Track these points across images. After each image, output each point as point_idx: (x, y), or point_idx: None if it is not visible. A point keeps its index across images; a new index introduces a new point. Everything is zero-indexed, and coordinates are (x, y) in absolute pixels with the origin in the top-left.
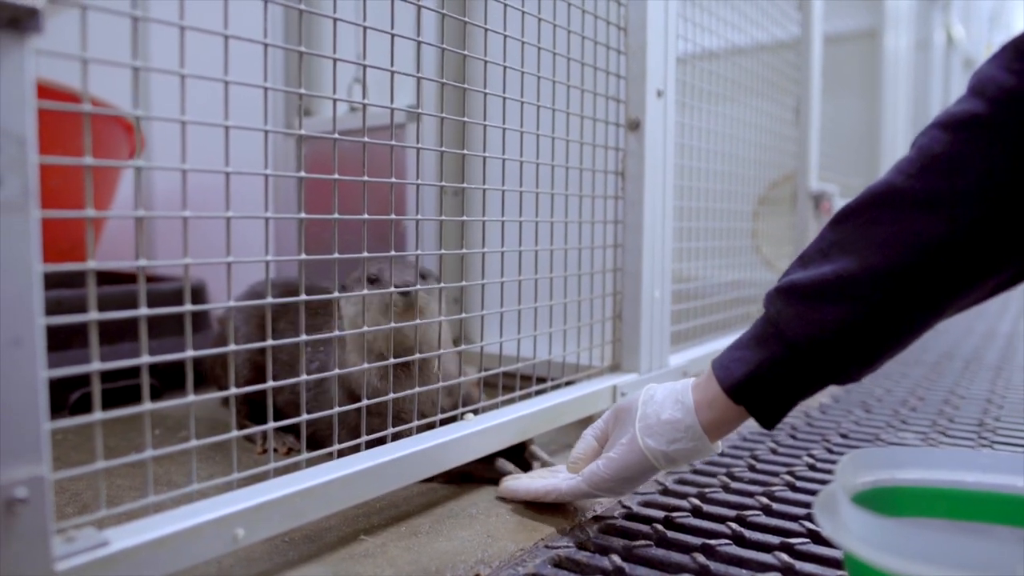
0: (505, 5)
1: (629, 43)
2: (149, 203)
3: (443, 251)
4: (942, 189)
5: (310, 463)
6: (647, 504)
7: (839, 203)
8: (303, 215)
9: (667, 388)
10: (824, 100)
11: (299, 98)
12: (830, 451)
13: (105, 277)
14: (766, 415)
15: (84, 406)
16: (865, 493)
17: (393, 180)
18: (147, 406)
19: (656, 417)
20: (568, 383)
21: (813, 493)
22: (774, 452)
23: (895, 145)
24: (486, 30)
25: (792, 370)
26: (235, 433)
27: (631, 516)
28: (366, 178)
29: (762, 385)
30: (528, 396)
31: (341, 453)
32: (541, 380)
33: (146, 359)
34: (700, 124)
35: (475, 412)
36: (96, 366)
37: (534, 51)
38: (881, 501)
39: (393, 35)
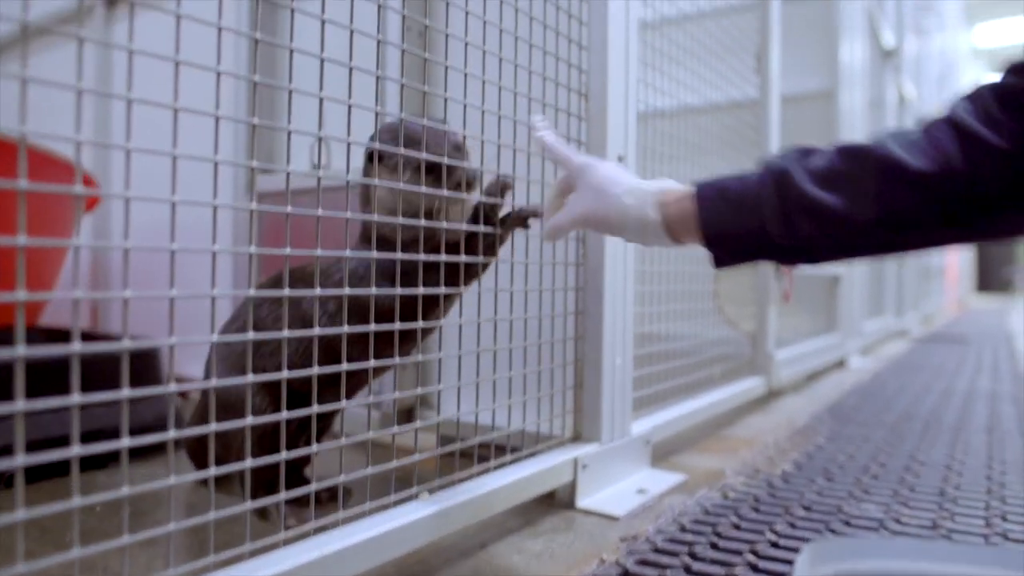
0: (465, 74)
1: (590, 109)
2: (107, 259)
3: (400, 325)
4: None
5: (252, 553)
6: None
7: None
8: (252, 291)
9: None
10: None
11: (250, 171)
12: (793, 525)
13: (50, 334)
14: (721, 261)
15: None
16: None
17: (348, 253)
18: (75, 501)
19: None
20: (529, 455)
21: (776, 575)
22: (736, 528)
23: None
24: (446, 99)
25: (764, 252)
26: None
27: None
28: (319, 251)
29: (733, 244)
30: (486, 471)
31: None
32: (500, 448)
33: (76, 451)
34: None
35: (430, 491)
36: (20, 461)
37: (494, 117)
38: None
39: (350, 105)
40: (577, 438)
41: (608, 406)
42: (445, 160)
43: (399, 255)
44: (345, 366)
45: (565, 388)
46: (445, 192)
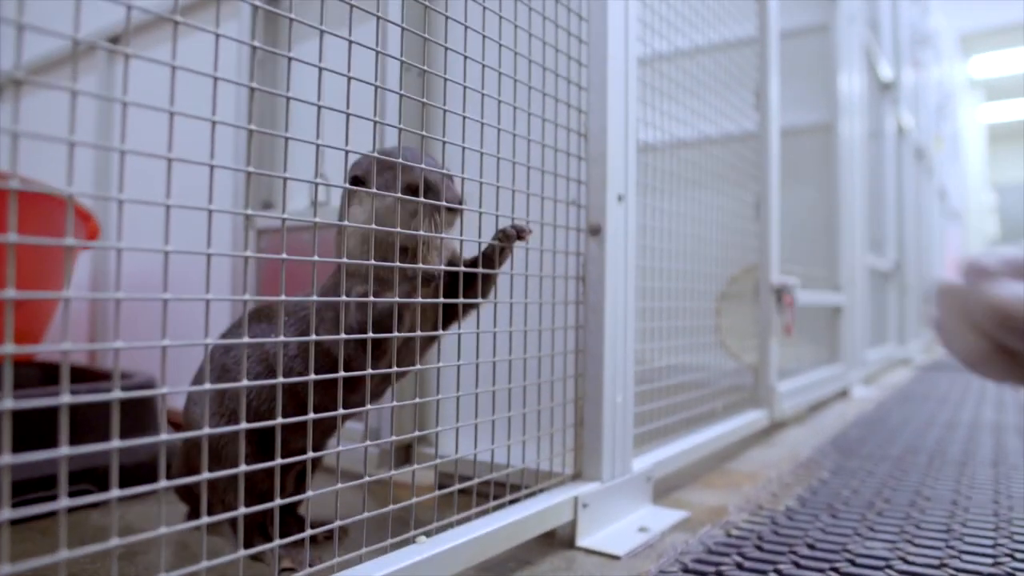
0: (464, 118)
1: (590, 149)
2: (106, 287)
3: (398, 368)
4: None
5: None
6: None
7: (800, 294)
8: (247, 339)
9: None
10: (782, 191)
11: (245, 218)
12: (797, 564)
13: (47, 369)
14: None
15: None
16: None
17: (343, 299)
18: (63, 554)
19: None
20: (529, 494)
21: None
22: (740, 567)
23: (853, 234)
24: (444, 142)
25: None
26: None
27: None
28: (314, 297)
29: None
30: (485, 512)
31: None
32: (500, 486)
33: (64, 503)
34: (660, 225)
35: (427, 534)
36: (6, 514)
37: (493, 160)
38: None
39: (347, 151)
40: (578, 476)
41: (609, 444)
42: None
43: (370, 299)
44: (311, 416)
45: (565, 426)
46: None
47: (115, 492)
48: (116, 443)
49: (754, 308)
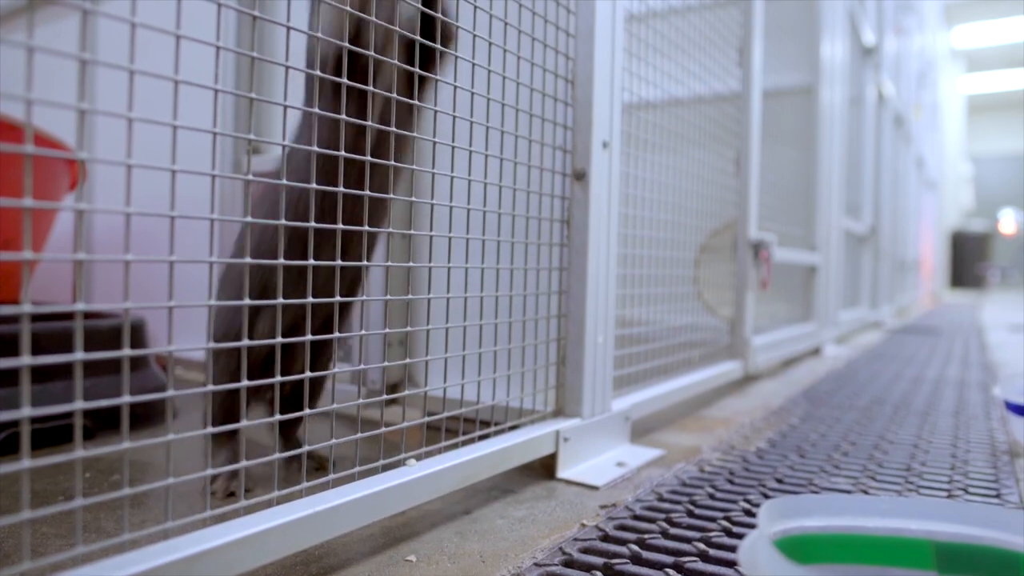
0: (456, 56)
1: (576, 95)
2: (89, 234)
3: (389, 297)
4: None
5: (248, 510)
6: (586, 551)
7: (777, 251)
8: (248, 260)
9: None
10: (762, 151)
11: (248, 142)
12: (766, 496)
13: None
14: None
15: (12, 446)
16: (779, 542)
17: (341, 226)
18: (79, 452)
19: None
20: (512, 427)
21: None
22: (712, 497)
23: (830, 196)
24: (436, 80)
25: None
26: (175, 478)
27: (570, 563)
28: (312, 224)
29: None
30: (471, 441)
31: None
32: (485, 424)
33: (80, 404)
34: (644, 175)
35: (417, 458)
36: (27, 412)
37: (483, 101)
38: (795, 549)
39: (344, 83)
40: (559, 413)
41: (590, 382)
42: None
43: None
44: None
45: (548, 364)
46: None
47: (126, 444)
48: (127, 398)
49: (732, 263)
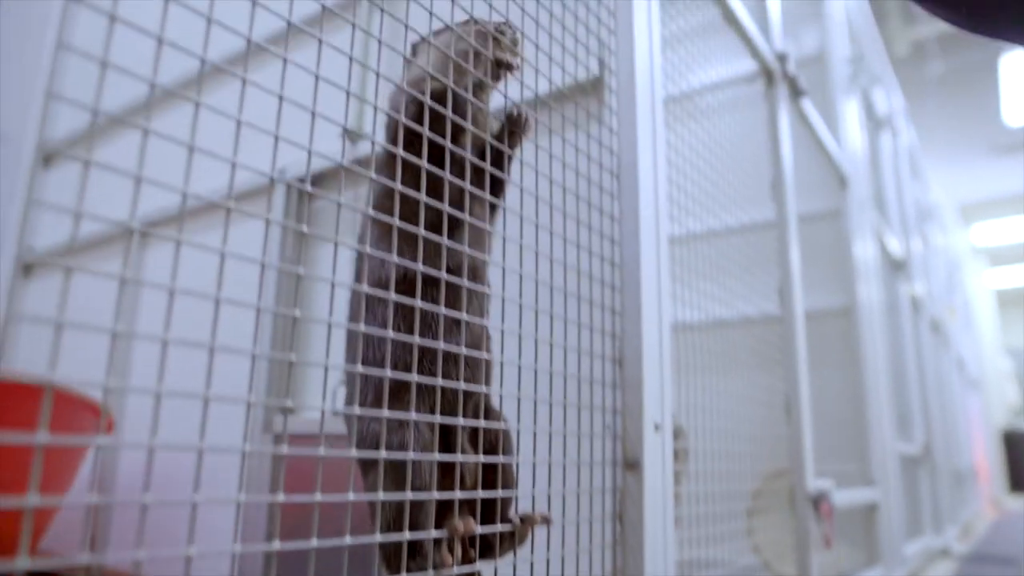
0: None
1: (625, 376)
2: (111, 488)
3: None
4: None
5: None
6: None
7: (838, 500)
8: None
9: None
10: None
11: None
12: None
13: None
14: None
15: None
16: None
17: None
18: None
19: None
20: None
21: None
22: None
23: (881, 419)
24: (486, 358)
25: None
26: None
27: None
28: (351, 496)
29: None
30: None
31: None
32: None
33: None
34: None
35: None
36: None
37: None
38: None
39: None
40: None
41: None
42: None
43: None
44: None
45: None
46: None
47: None
48: None
49: (790, 515)
